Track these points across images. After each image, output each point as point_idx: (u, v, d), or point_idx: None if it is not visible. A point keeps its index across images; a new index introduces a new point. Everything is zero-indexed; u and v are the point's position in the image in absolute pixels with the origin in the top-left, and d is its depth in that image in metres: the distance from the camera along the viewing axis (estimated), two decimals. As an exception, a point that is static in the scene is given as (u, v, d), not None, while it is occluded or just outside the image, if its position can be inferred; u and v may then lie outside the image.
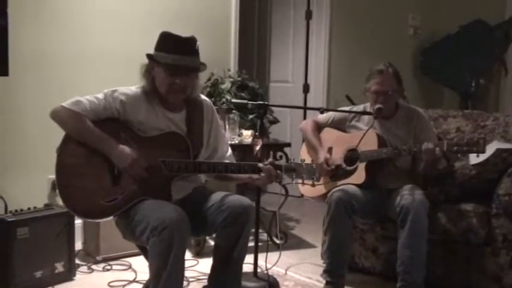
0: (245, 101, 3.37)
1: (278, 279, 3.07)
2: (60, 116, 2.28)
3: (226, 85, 3.89)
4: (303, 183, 2.36)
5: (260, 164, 2.33)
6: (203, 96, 2.56)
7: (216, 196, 2.35)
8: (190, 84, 2.34)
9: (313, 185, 2.38)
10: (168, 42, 2.31)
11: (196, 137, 2.42)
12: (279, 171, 2.33)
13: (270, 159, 2.39)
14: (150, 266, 2.14)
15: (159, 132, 2.34)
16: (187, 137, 2.37)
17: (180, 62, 2.27)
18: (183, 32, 2.36)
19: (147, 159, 2.26)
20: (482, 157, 2.63)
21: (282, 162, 2.42)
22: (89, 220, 2.53)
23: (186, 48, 2.30)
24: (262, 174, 2.31)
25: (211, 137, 2.53)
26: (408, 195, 2.70)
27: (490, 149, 2.74)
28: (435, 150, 2.63)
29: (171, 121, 2.40)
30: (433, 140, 2.82)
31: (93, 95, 2.33)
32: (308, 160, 2.37)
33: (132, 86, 2.42)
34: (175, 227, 2.06)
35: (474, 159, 2.86)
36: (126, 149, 2.25)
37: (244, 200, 2.33)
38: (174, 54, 2.27)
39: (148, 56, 2.35)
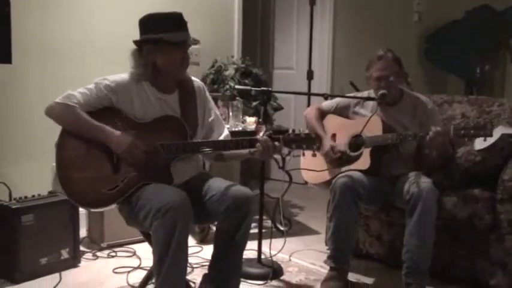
0: (249, 87, 3.35)
1: (282, 265, 3.08)
2: (54, 112, 2.30)
3: (230, 72, 3.87)
4: (304, 155, 2.34)
5: (258, 137, 2.31)
6: (193, 77, 2.56)
7: (219, 185, 2.35)
8: None
9: (314, 155, 2.35)
10: (168, 22, 2.33)
11: (191, 118, 2.42)
12: (277, 143, 2.30)
13: (268, 132, 2.35)
14: (154, 251, 2.14)
15: (154, 117, 2.34)
16: (182, 118, 2.37)
17: (187, 37, 2.34)
18: (187, 19, 2.37)
19: (145, 144, 2.26)
20: (488, 142, 2.61)
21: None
22: (94, 210, 2.55)
23: (184, 24, 2.36)
24: (258, 145, 2.30)
25: (206, 116, 2.53)
26: (418, 183, 2.67)
27: (496, 134, 2.71)
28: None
29: (165, 103, 2.40)
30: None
31: (84, 86, 2.33)
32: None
33: None
34: (178, 209, 2.07)
35: (479, 144, 2.84)
36: (122, 134, 2.26)
37: (247, 190, 2.33)
38: (181, 31, 2.33)
39: (150, 39, 2.31)
